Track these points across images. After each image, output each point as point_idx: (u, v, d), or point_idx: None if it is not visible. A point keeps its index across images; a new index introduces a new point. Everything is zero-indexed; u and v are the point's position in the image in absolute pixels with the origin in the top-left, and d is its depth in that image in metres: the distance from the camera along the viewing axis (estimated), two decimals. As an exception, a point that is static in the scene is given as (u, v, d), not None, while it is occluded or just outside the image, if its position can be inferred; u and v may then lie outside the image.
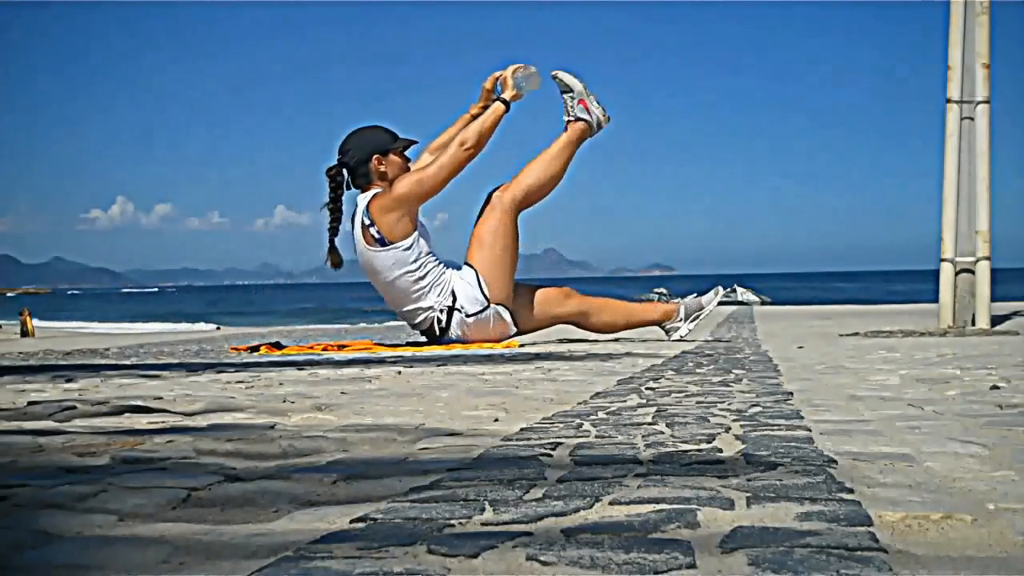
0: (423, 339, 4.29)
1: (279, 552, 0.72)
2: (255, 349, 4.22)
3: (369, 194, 4.10)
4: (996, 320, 5.16)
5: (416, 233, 4.08)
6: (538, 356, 3.23)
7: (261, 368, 2.88)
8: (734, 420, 1.43)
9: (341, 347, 4.14)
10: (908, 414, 1.51)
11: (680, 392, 1.90)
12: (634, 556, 0.69)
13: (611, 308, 4.38)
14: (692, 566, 0.66)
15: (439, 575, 0.66)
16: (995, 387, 1.90)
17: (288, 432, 1.40)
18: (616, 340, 4.39)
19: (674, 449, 1.16)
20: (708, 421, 1.43)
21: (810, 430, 1.31)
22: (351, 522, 0.82)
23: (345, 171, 4.15)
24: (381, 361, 3.15)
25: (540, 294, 4.30)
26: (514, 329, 4.20)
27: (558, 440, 1.26)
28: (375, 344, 4.30)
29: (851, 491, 0.90)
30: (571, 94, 4.26)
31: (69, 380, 2.43)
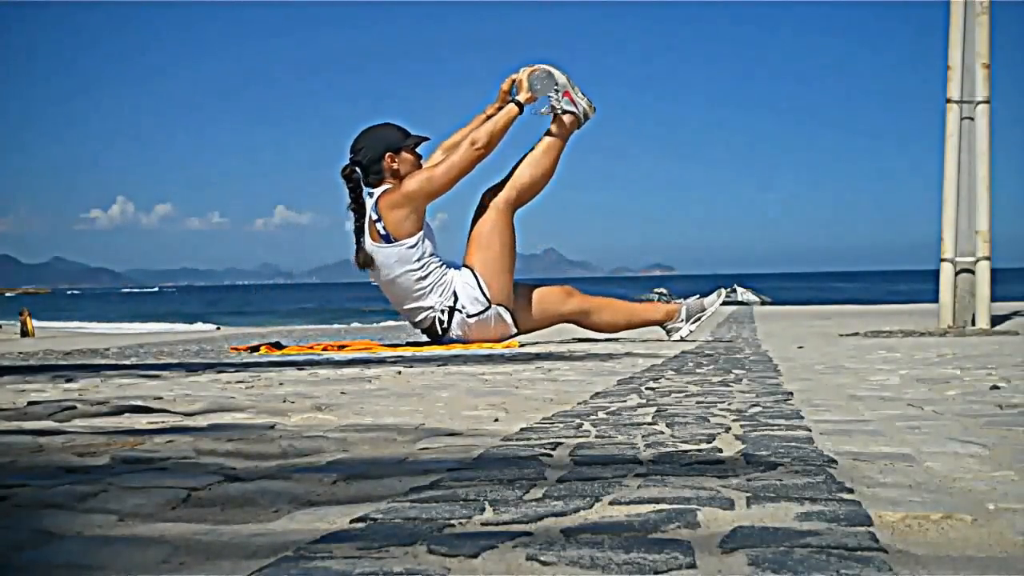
0: (423, 339, 4.29)
1: (279, 552, 0.72)
2: (255, 349, 4.22)
3: (379, 190, 4.10)
4: (996, 320, 5.16)
5: (421, 232, 4.08)
6: (538, 356, 3.23)
7: (261, 368, 2.88)
8: (734, 420, 1.43)
9: (341, 347, 4.14)
10: (908, 414, 1.51)
11: (680, 392, 1.90)
12: (634, 556, 0.69)
13: (612, 307, 4.37)
14: (692, 566, 0.66)
15: (439, 575, 0.66)
16: (995, 387, 1.90)
17: (288, 432, 1.40)
18: (616, 340, 4.38)
19: (674, 449, 1.16)
20: (708, 421, 1.43)
21: (810, 430, 1.31)
22: (351, 522, 0.82)
23: (359, 169, 4.14)
24: (381, 361, 3.15)
25: (541, 293, 4.30)
26: (515, 329, 4.20)
27: (558, 440, 1.26)
28: (375, 344, 4.30)
29: (851, 491, 0.90)
30: (555, 86, 4.25)
31: (69, 380, 2.43)
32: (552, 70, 4.26)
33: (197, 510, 0.89)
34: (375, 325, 9.17)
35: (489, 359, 3.13)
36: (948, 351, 3.19)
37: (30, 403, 1.77)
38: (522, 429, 1.39)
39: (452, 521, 0.81)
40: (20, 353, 4.87)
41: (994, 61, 4.95)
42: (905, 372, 2.35)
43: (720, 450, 1.15)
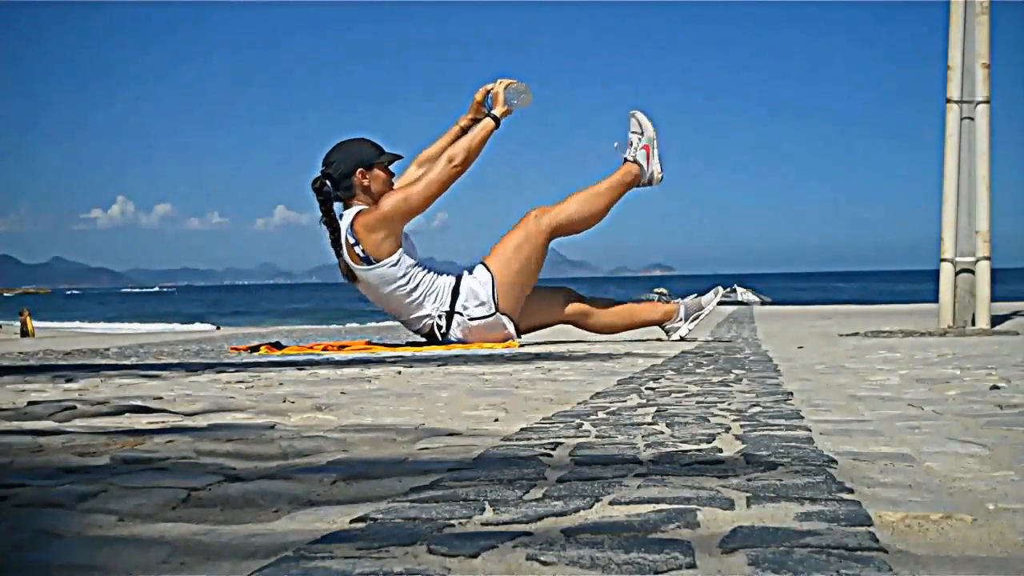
0: (423, 339, 4.29)
1: (279, 552, 0.72)
2: (255, 349, 4.22)
3: (353, 211, 4.04)
4: (996, 320, 5.16)
5: (401, 249, 4.03)
6: (538, 356, 3.23)
7: (261, 368, 2.88)
8: (734, 420, 1.43)
9: (341, 347, 4.13)
10: (908, 414, 1.51)
11: (680, 392, 1.90)
12: (634, 556, 0.69)
13: (611, 309, 4.37)
14: (692, 566, 0.66)
15: (439, 575, 0.66)
16: (995, 387, 1.90)
17: (288, 432, 1.40)
18: (616, 340, 4.39)
19: (674, 449, 1.16)
20: (708, 421, 1.43)
21: (810, 430, 1.31)
22: (351, 522, 0.82)
23: (329, 183, 4.09)
24: (381, 361, 3.15)
25: (540, 294, 4.30)
26: (515, 335, 4.20)
27: (558, 440, 1.26)
28: (375, 344, 4.30)
29: (851, 491, 0.90)
30: (640, 136, 4.20)
31: (69, 380, 2.43)
32: (645, 121, 4.20)
33: (197, 510, 0.89)
34: (374, 324, 9.17)
35: (489, 359, 3.13)
36: (948, 351, 3.19)
37: (30, 403, 1.77)
38: (522, 429, 1.39)
39: (452, 521, 0.81)
40: (20, 353, 4.88)
41: (994, 61, 4.95)
42: (905, 372, 2.35)
43: (720, 450, 1.15)
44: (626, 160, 4.20)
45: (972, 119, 4.94)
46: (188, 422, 1.54)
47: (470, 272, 4.20)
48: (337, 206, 4.14)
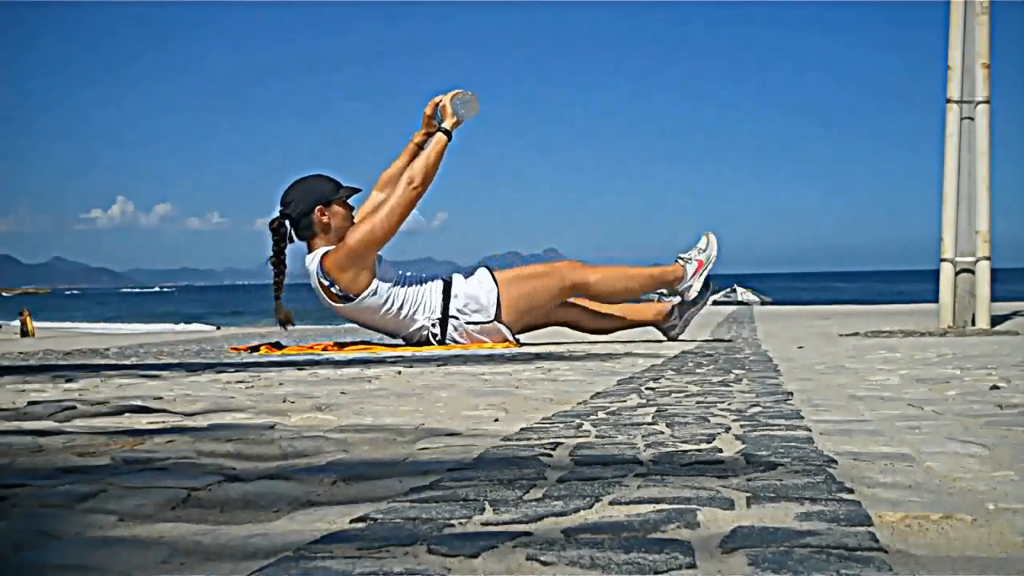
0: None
1: (279, 552, 0.72)
2: (255, 349, 4.22)
3: (319, 252, 4.00)
4: (996, 320, 5.16)
5: (376, 279, 4.00)
6: (538, 356, 3.23)
7: (261, 368, 2.88)
8: (734, 420, 1.43)
9: (341, 347, 4.13)
10: (908, 414, 1.51)
11: (680, 392, 1.90)
12: (634, 556, 0.69)
13: (609, 310, 4.37)
14: (692, 566, 0.66)
15: (439, 575, 0.66)
16: (995, 387, 1.90)
17: (288, 432, 1.39)
18: (616, 340, 4.39)
19: (674, 449, 1.16)
20: (708, 421, 1.43)
21: (810, 430, 1.31)
22: (351, 522, 0.82)
23: (288, 223, 4.07)
24: (381, 361, 3.15)
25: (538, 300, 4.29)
26: (513, 339, 4.20)
27: (558, 440, 1.26)
28: (375, 344, 4.30)
29: (851, 491, 0.90)
30: (702, 251, 4.23)
31: (69, 380, 2.43)
32: (713, 242, 4.24)
33: (197, 510, 0.89)
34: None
35: (489, 359, 3.13)
36: (948, 351, 3.19)
37: (30, 403, 1.77)
38: (522, 429, 1.39)
39: (452, 521, 0.81)
40: (20, 353, 4.88)
41: (994, 61, 4.95)
42: (905, 372, 2.35)
43: (720, 450, 1.15)
44: (678, 260, 4.25)
45: (972, 119, 4.94)
46: (188, 422, 1.54)
47: (470, 274, 4.19)
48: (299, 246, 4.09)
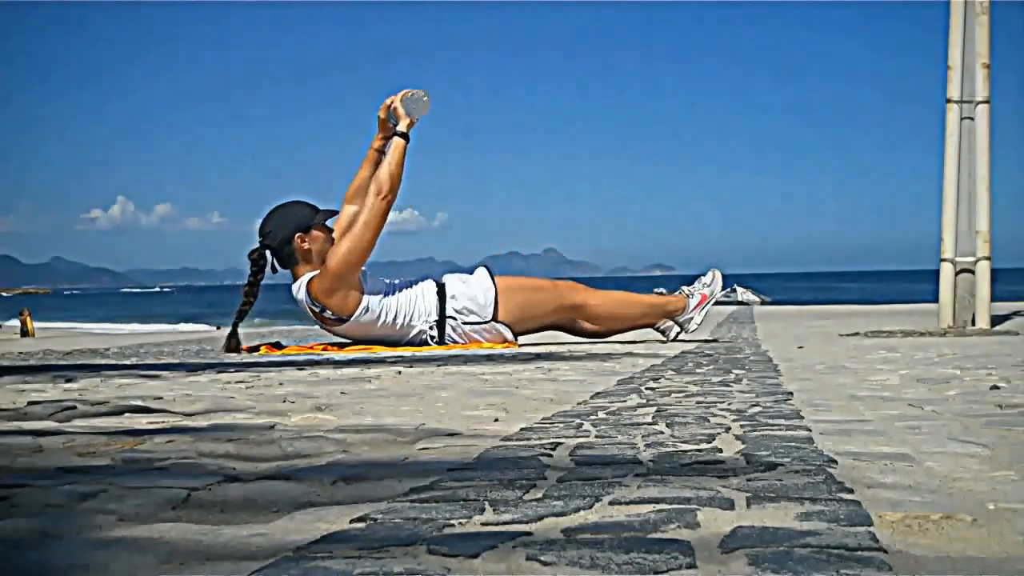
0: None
1: (279, 552, 0.72)
2: (255, 349, 4.22)
3: (304, 279, 4.00)
4: (996, 320, 5.16)
5: (365, 295, 3.99)
6: (538, 356, 3.23)
7: (261, 368, 2.88)
8: (734, 420, 1.43)
9: (341, 347, 4.13)
10: (908, 414, 1.51)
11: (680, 392, 1.90)
12: (634, 556, 0.69)
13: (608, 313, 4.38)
14: (692, 566, 0.66)
15: (439, 575, 0.66)
16: (995, 387, 1.90)
17: (288, 432, 1.39)
18: (616, 340, 4.38)
19: (674, 449, 1.16)
20: (708, 421, 1.43)
21: (810, 430, 1.31)
22: (351, 522, 0.82)
23: (269, 253, 4.07)
24: (381, 361, 3.15)
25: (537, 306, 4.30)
26: (514, 340, 4.20)
27: (558, 440, 1.26)
28: (375, 344, 4.30)
29: (851, 491, 0.90)
30: (707, 286, 4.27)
31: (69, 380, 2.43)
32: (718, 279, 4.27)
33: (197, 511, 0.89)
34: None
35: (489, 359, 3.13)
36: (948, 351, 3.19)
37: (30, 403, 1.77)
38: (522, 429, 1.39)
39: (452, 521, 0.81)
40: (20, 353, 4.87)
41: (994, 61, 4.95)
42: (905, 372, 2.35)
43: (720, 450, 1.15)
44: (680, 291, 4.29)
45: (972, 119, 4.94)
46: (188, 422, 1.54)
47: (469, 274, 4.19)
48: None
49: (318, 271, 3.98)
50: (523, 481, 0.97)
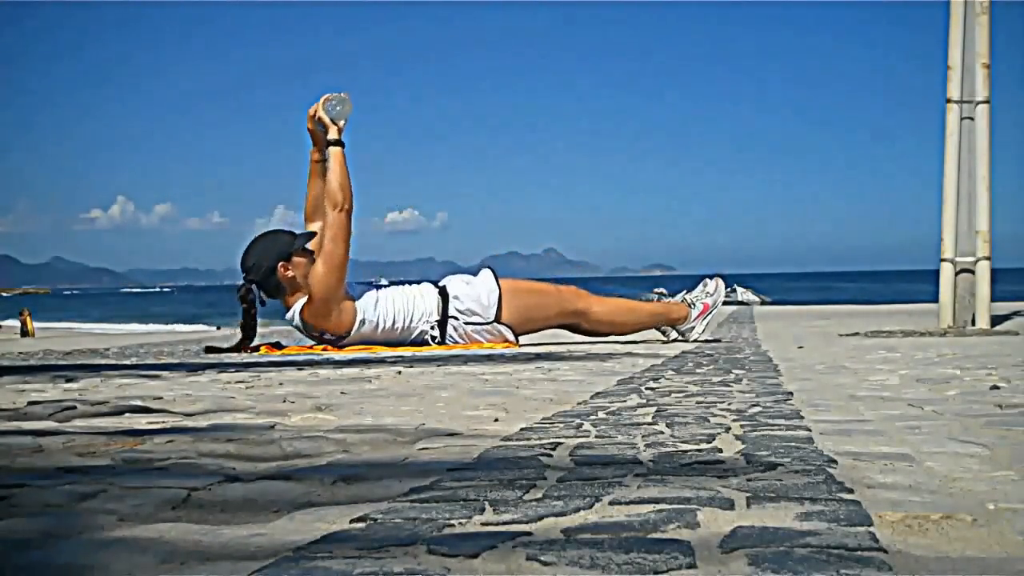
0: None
1: (279, 552, 0.72)
2: (255, 349, 4.22)
3: (296, 308, 4.01)
4: (996, 320, 5.16)
5: (359, 307, 3.99)
6: (538, 356, 3.23)
7: (261, 368, 2.88)
8: (734, 420, 1.43)
9: (341, 347, 4.13)
10: (908, 414, 1.51)
11: (680, 392, 1.90)
12: (634, 556, 0.69)
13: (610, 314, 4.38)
14: (692, 566, 0.66)
15: (439, 575, 0.66)
16: (995, 387, 1.90)
17: (288, 432, 1.39)
18: (616, 340, 4.38)
19: (674, 449, 1.16)
20: (708, 421, 1.43)
21: (810, 430, 1.31)
22: (351, 522, 0.82)
23: (255, 287, 4.07)
24: (381, 361, 3.15)
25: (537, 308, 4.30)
26: (513, 339, 4.20)
27: (558, 440, 1.26)
28: (375, 344, 4.30)
29: (851, 491, 0.90)
30: (710, 295, 4.27)
31: (69, 380, 2.43)
32: (721, 288, 4.28)
33: (197, 510, 0.89)
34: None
35: (489, 359, 3.13)
36: (948, 351, 3.19)
37: (30, 403, 1.77)
38: (522, 429, 1.39)
39: (452, 521, 0.81)
40: (20, 353, 4.87)
41: (994, 61, 4.95)
42: (905, 372, 2.35)
43: (720, 450, 1.15)
44: (682, 302, 4.28)
45: (972, 119, 4.94)
46: (188, 422, 1.54)
47: (472, 275, 4.19)
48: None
49: (307, 297, 3.99)
50: (523, 481, 0.97)
